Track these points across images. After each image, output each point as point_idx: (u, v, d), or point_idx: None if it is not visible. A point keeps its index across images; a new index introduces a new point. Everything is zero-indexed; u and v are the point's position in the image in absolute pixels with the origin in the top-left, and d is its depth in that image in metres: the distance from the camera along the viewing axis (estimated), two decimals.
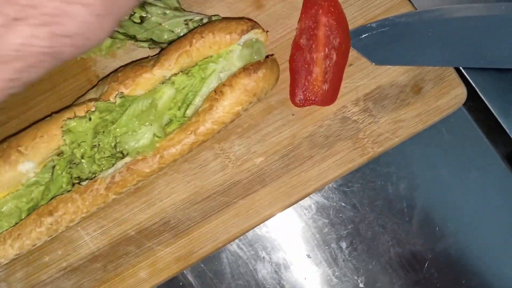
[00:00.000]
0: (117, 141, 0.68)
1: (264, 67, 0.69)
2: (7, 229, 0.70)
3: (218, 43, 0.68)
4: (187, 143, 0.70)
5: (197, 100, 0.71)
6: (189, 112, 0.71)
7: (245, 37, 0.69)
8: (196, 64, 0.70)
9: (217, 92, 0.69)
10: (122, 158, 0.70)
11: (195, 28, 0.72)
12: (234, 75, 0.68)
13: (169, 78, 0.70)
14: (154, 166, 0.70)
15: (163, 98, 0.69)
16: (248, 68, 0.68)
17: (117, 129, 0.67)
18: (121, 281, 0.76)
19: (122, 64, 0.78)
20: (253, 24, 0.70)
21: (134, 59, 0.77)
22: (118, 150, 0.70)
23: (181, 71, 0.70)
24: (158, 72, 0.69)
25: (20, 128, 0.77)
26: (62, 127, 0.67)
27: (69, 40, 0.52)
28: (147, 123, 0.67)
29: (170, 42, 0.73)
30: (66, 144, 0.69)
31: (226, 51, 0.69)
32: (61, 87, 0.79)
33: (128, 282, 0.76)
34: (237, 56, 0.69)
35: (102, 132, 0.68)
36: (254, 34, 0.70)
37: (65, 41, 0.52)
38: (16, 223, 0.71)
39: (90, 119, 0.67)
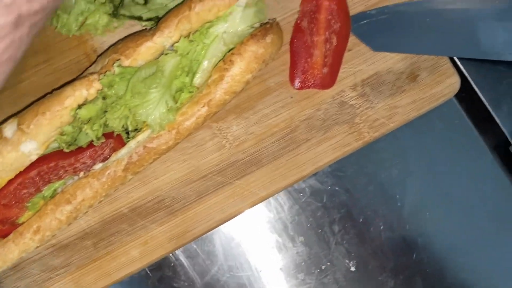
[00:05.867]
0: (131, 113, 0.66)
1: (271, 32, 0.68)
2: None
3: (217, 5, 0.67)
4: (201, 115, 0.69)
5: (205, 65, 0.70)
6: (197, 80, 0.70)
7: None
8: (197, 30, 0.70)
9: (226, 62, 0.68)
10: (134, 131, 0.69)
11: None
12: (242, 43, 0.68)
13: (171, 47, 0.69)
14: (170, 143, 0.69)
15: (168, 65, 0.68)
16: (255, 35, 0.68)
17: (127, 99, 0.66)
18: (112, 259, 0.74)
19: (120, 38, 0.76)
20: None
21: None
22: (128, 126, 0.68)
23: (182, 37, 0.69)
24: (159, 40, 0.68)
25: (9, 102, 0.75)
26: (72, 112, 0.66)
27: None
28: (154, 86, 0.66)
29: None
30: (72, 123, 0.68)
31: (226, 14, 0.69)
32: (56, 60, 0.77)
33: (120, 261, 0.74)
34: (240, 17, 0.68)
35: (108, 110, 0.67)
36: None
37: None
38: None
39: (103, 97, 0.65)
